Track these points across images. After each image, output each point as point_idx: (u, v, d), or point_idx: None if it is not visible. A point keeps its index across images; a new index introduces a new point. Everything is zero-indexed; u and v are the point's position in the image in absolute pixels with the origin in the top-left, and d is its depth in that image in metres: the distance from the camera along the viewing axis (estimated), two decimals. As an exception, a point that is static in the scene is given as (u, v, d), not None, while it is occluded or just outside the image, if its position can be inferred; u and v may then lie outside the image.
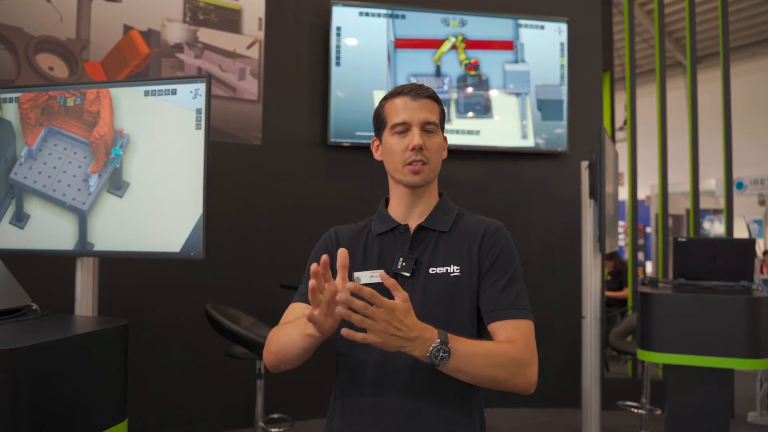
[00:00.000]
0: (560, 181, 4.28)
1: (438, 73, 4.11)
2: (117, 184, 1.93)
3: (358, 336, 0.98)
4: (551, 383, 4.06)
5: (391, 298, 1.00)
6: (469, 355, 1.06)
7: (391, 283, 0.99)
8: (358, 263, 1.25)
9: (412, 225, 1.27)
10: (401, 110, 1.24)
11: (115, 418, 1.58)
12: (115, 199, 1.94)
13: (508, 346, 1.12)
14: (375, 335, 0.98)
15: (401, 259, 1.22)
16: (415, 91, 1.25)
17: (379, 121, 1.30)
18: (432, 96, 1.27)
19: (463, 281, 1.20)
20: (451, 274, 1.20)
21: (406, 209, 1.28)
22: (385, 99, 1.30)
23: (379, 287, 1.16)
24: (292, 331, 1.14)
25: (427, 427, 1.16)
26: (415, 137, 1.22)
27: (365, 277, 1.21)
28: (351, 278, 1.22)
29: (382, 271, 1.02)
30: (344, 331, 0.98)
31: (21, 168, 2.02)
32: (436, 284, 1.18)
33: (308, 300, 1.26)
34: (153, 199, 1.92)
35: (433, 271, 1.21)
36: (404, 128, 1.24)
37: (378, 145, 1.33)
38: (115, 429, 1.58)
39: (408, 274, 1.20)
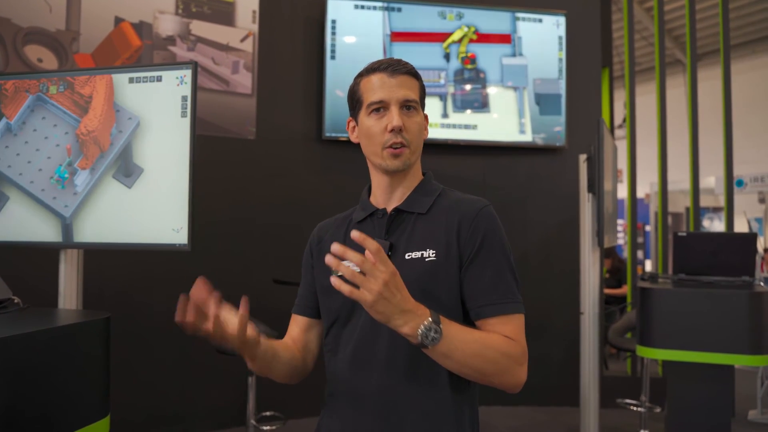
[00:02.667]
0: (558, 177, 4.23)
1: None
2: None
3: (345, 288, 0.92)
4: (549, 381, 4.02)
5: None
6: (460, 341, 1.00)
7: (374, 247, 0.92)
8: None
9: (391, 209, 1.19)
10: (378, 88, 1.14)
11: (96, 414, 1.53)
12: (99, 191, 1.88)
13: (502, 340, 1.05)
14: (368, 293, 0.92)
15: None
16: (393, 67, 1.15)
17: (354, 100, 1.20)
18: (411, 72, 1.17)
19: (439, 267, 1.10)
20: (426, 259, 1.11)
21: (386, 194, 1.20)
22: (360, 76, 1.20)
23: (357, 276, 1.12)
24: None
25: (402, 422, 1.09)
26: (394, 118, 1.12)
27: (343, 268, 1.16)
28: (330, 269, 1.17)
29: (356, 233, 0.94)
30: (333, 280, 0.93)
31: None
32: (412, 270, 1.10)
33: (302, 311, 1.27)
34: (138, 189, 1.86)
35: (408, 256, 1.12)
36: (382, 107, 1.14)
37: (354, 126, 1.23)
38: (96, 425, 1.52)
39: None
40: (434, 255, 1.11)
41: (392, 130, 1.12)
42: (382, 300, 0.92)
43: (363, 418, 1.11)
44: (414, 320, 0.96)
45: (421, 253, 1.12)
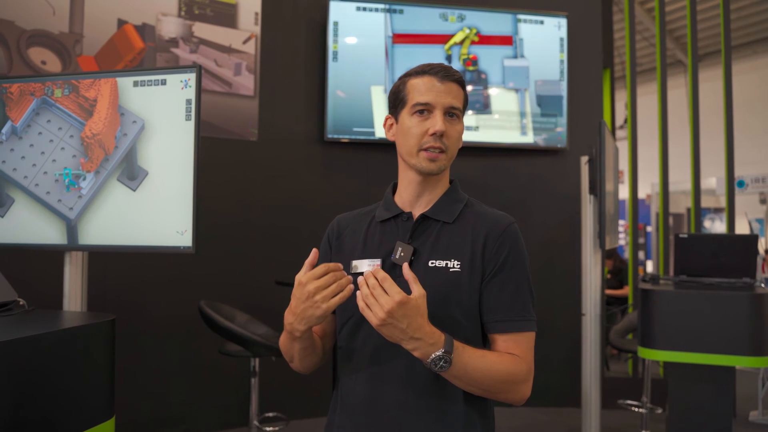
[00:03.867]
0: (560, 178, 4.24)
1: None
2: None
3: (360, 303, 0.99)
4: (551, 382, 4.02)
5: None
6: (469, 368, 1.04)
7: (411, 276, 1.00)
8: (358, 251, 1.19)
9: (417, 213, 1.20)
10: (426, 90, 1.15)
11: (101, 416, 1.54)
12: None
13: (510, 361, 1.09)
14: (373, 316, 0.98)
15: (399, 249, 1.14)
16: (444, 72, 1.16)
17: (397, 99, 1.20)
18: (460, 80, 1.18)
19: (462, 278, 1.12)
20: (451, 269, 1.13)
21: (413, 196, 1.21)
22: (408, 75, 1.20)
23: None
24: (284, 336, 1.16)
25: (422, 424, 1.10)
26: (438, 122, 1.12)
27: (363, 265, 1.16)
28: (350, 266, 1.17)
29: (405, 265, 1.02)
30: (358, 295, 1.00)
31: (0, 148, 1.90)
32: (434, 278, 1.11)
33: None
34: (142, 192, 1.87)
35: (432, 264, 1.13)
36: (426, 109, 1.15)
37: (392, 124, 1.23)
38: (101, 427, 1.54)
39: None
40: (459, 266, 1.13)
41: (434, 134, 1.13)
42: (387, 325, 0.98)
43: (378, 424, 1.12)
44: (424, 348, 1.00)
45: (445, 262, 1.14)
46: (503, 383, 1.08)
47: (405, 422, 1.10)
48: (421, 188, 1.20)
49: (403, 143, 1.18)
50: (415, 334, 0.98)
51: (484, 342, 1.17)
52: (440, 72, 1.16)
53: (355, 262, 1.17)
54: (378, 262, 1.15)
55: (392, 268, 1.14)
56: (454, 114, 1.16)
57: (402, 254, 1.14)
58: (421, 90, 1.15)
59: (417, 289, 0.99)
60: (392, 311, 0.96)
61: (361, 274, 1.14)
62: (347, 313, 1.19)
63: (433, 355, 0.99)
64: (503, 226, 1.16)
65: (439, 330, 1.03)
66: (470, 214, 1.20)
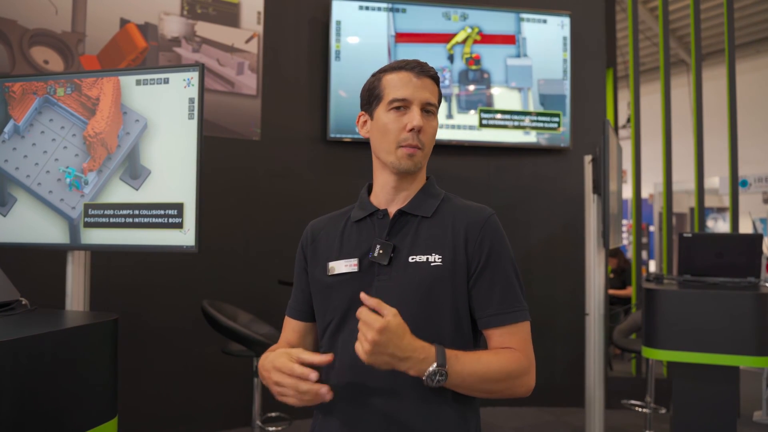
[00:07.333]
0: (562, 177, 4.23)
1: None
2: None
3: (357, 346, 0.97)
4: (555, 382, 4.01)
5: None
6: (466, 376, 1.01)
7: (373, 302, 0.95)
8: (335, 252, 1.17)
9: (393, 210, 1.17)
10: (402, 86, 1.13)
11: (104, 416, 1.54)
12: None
13: (507, 357, 1.06)
14: (361, 350, 0.95)
15: (378, 247, 1.12)
16: (420, 68, 1.14)
17: (372, 95, 1.18)
18: (435, 77, 1.17)
19: (445, 272, 1.09)
20: (432, 264, 1.10)
21: (389, 194, 1.18)
22: (383, 72, 1.18)
23: (354, 276, 1.12)
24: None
25: (410, 427, 1.07)
26: (416, 117, 1.11)
27: (340, 266, 1.14)
28: (326, 268, 1.16)
29: (362, 294, 0.97)
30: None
31: (3, 147, 1.90)
32: (415, 274, 1.09)
33: (298, 315, 1.25)
34: (145, 191, 1.87)
35: (412, 259, 1.10)
36: (403, 105, 1.13)
37: (366, 121, 1.21)
38: (104, 427, 1.53)
39: (385, 263, 1.11)
40: (440, 260, 1.10)
41: (411, 130, 1.11)
42: (374, 354, 0.95)
43: (364, 424, 1.08)
44: (417, 366, 0.97)
45: (426, 257, 1.10)
46: (504, 381, 1.05)
47: (392, 425, 1.07)
48: (398, 186, 1.18)
49: (379, 140, 1.16)
50: (402, 353, 0.95)
51: (475, 335, 1.14)
52: (416, 68, 1.14)
53: (331, 264, 1.15)
54: (354, 261, 1.13)
55: (370, 267, 1.12)
56: (429, 111, 1.15)
57: (381, 252, 1.11)
58: (397, 86, 1.14)
59: (387, 312, 0.94)
60: (376, 341, 0.93)
61: (338, 275, 1.13)
62: (327, 317, 1.16)
63: (429, 371, 0.97)
64: (483, 219, 1.13)
65: (428, 335, 1.00)
66: (448, 207, 1.17)
